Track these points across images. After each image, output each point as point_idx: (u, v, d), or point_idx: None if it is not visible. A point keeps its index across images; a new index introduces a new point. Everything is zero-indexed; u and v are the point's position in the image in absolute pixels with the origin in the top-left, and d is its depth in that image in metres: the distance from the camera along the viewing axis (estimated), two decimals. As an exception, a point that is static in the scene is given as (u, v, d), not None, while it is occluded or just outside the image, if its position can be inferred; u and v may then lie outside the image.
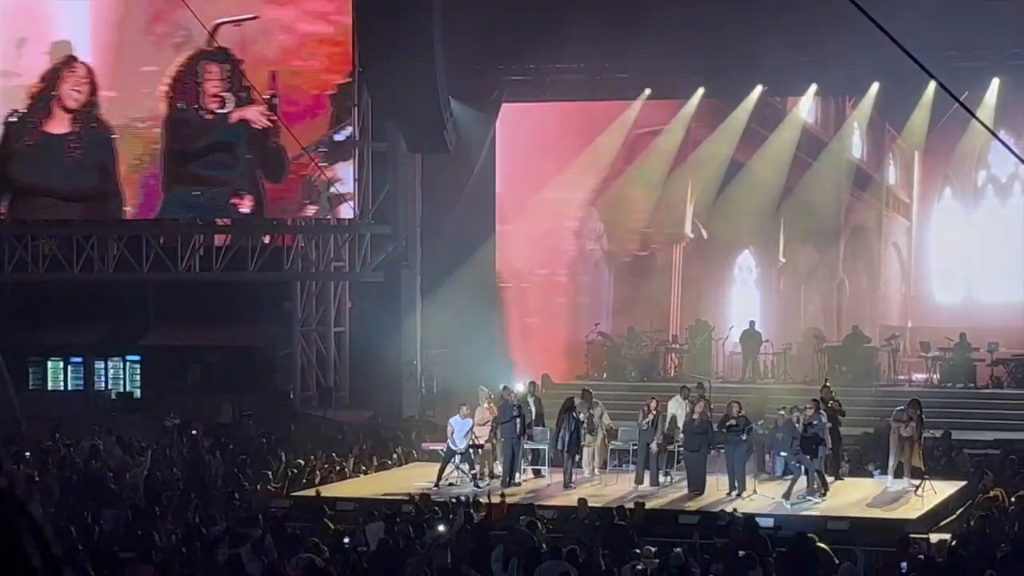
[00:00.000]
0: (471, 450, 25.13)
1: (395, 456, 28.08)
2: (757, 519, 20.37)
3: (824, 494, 23.24)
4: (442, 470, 24.82)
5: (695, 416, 24.26)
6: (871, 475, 25.11)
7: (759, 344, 34.30)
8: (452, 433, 25.06)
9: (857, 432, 27.91)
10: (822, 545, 18.60)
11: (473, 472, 25.06)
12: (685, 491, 23.77)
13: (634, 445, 25.21)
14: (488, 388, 26.73)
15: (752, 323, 34.60)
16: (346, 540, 19.44)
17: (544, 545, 18.70)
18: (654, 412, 24.77)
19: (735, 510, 21.14)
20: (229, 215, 36.03)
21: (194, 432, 30.76)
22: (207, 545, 19.05)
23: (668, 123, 35.95)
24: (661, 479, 24.76)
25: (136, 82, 35.73)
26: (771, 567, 17.57)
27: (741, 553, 17.92)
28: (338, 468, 26.45)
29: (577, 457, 25.04)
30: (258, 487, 24.72)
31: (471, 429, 25.09)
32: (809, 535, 18.97)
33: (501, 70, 35.26)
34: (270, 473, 25.49)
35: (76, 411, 35.52)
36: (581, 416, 24.87)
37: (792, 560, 17.93)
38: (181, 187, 35.83)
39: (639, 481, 24.69)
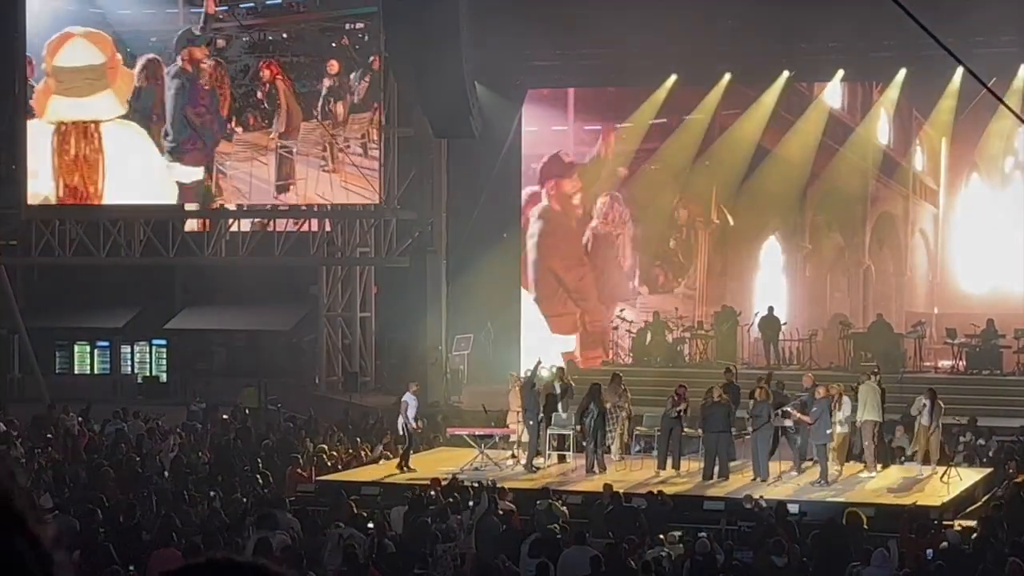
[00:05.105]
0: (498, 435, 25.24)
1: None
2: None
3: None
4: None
5: (715, 399, 24.26)
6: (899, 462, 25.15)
7: (778, 329, 34.19)
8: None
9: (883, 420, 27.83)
10: (861, 517, 18.73)
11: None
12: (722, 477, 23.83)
13: (658, 431, 25.24)
14: (515, 373, 26.72)
15: (771, 308, 34.37)
16: (370, 525, 19.51)
17: (568, 528, 18.71)
18: (685, 400, 24.79)
19: (761, 496, 21.15)
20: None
21: (223, 417, 30.90)
22: (233, 528, 19.13)
23: (694, 109, 35.83)
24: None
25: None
26: (797, 553, 17.55)
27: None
28: (362, 453, 26.50)
29: (607, 443, 25.03)
30: (287, 471, 24.76)
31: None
32: (852, 510, 19.06)
33: (526, 55, 35.20)
34: (300, 457, 25.51)
35: (102, 395, 35.68)
36: (607, 403, 24.87)
37: (823, 546, 17.92)
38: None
39: (662, 467, 24.71)
